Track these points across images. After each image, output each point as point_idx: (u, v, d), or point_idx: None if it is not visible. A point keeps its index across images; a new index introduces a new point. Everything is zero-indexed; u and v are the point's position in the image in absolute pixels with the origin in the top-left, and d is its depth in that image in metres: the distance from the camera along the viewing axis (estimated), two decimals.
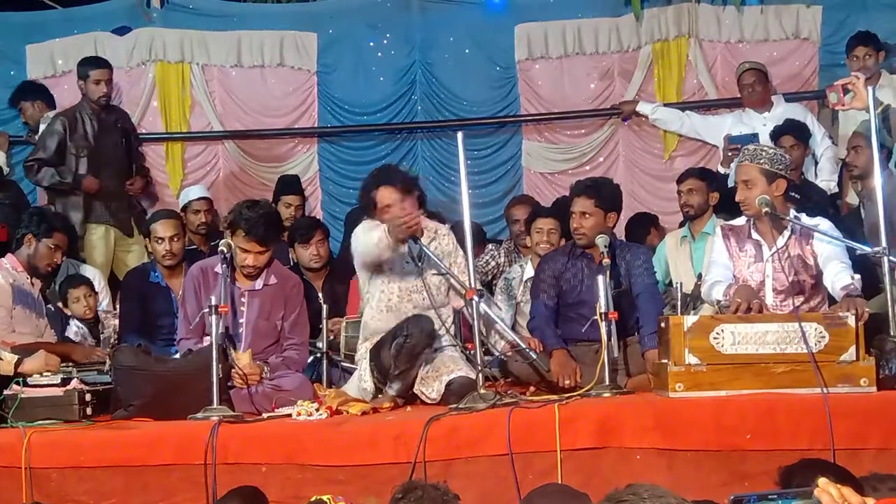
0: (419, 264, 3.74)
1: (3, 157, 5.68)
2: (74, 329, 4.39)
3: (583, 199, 3.86)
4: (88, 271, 4.84)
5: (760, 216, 3.55)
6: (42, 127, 5.38)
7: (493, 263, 5.12)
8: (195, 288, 3.83)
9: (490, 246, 5.25)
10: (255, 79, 6.26)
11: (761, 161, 3.56)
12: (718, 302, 3.45)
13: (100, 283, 4.78)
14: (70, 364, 3.68)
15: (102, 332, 4.41)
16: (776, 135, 4.88)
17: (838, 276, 3.40)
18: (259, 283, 3.85)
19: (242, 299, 3.81)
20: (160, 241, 4.45)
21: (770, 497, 1.47)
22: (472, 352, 3.53)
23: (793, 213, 3.61)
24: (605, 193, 3.94)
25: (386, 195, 3.74)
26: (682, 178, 4.95)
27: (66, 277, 4.62)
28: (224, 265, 3.61)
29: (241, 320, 3.80)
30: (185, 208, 5.34)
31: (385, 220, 3.63)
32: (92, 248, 5.19)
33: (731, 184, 5.18)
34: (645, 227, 5.30)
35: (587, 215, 3.85)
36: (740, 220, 3.70)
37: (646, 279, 3.92)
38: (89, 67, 5.25)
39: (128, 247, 5.28)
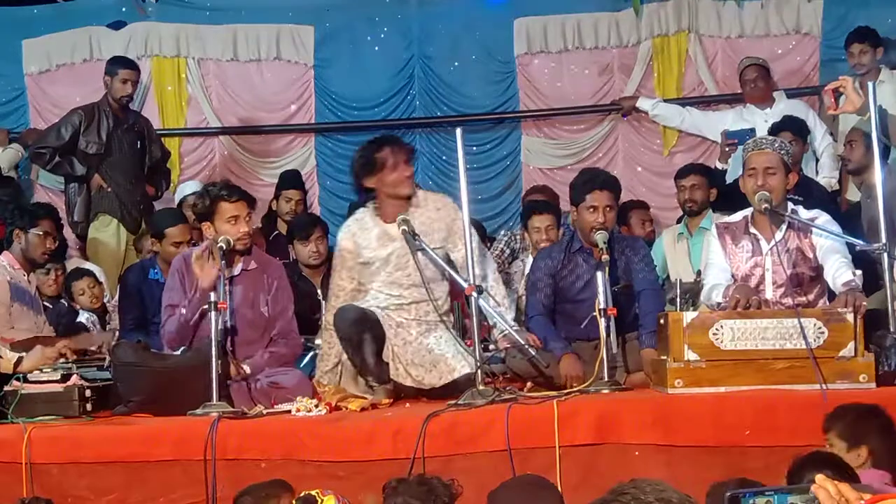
0: (413, 256, 3.69)
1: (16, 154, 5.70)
2: (86, 316, 4.43)
3: (606, 192, 3.79)
4: (90, 267, 4.86)
5: (779, 203, 3.51)
6: None
7: (507, 251, 5.08)
8: (180, 277, 3.76)
9: (505, 232, 5.23)
10: (251, 73, 6.26)
11: (782, 151, 3.56)
12: (719, 304, 3.44)
13: (103, 278, 4.81)
14: (69, 360, 3.68)
15: (109, 323, 4.42)
16: (775, 131, 4.86)
17: (839, 272, 3.39)
18: (237, 269, 3.76)
19: (225, 287, 3.64)
20: (177, 246, 4.41)
21: (766, 493, 1.47)
22: (470, 348, 3.53)
23: (790, 206, 3.61)
24: (618, 186, 3.94)
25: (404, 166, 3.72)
26: (683, 174, 4.93)
27: (68, 273, 4.65)
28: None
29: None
30: (181, 203, 5.34)
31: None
32: (100, 244, 5.20)
33: (730, 179, 5.20)
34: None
35: (610, 209, 3.80)
36: (735, 217, 3.68)
37: (647, 275, 3.89)
38: (119, 66, 5.28)
39: (133, 244, 5.30)
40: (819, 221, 3.54)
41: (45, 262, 4.25)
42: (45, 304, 4.36)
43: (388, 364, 3.69)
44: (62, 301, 4.50)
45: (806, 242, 3.55)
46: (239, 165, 6.20)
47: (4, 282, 3.97)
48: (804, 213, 3.58)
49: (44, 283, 4.47)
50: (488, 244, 5.07)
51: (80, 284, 4.53)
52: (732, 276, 3.59)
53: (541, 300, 3.93)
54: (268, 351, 3.79)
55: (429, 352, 3.67)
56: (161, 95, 6.19)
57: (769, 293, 3.53)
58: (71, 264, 4.93)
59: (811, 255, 3.54)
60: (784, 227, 3.55)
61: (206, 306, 3.42)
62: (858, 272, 3.41)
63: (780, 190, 3.52)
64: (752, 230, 3.60)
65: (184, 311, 3.63)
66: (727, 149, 5.24)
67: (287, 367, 3.82)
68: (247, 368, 3.67)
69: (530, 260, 4.60)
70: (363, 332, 3.61)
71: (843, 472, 2.19)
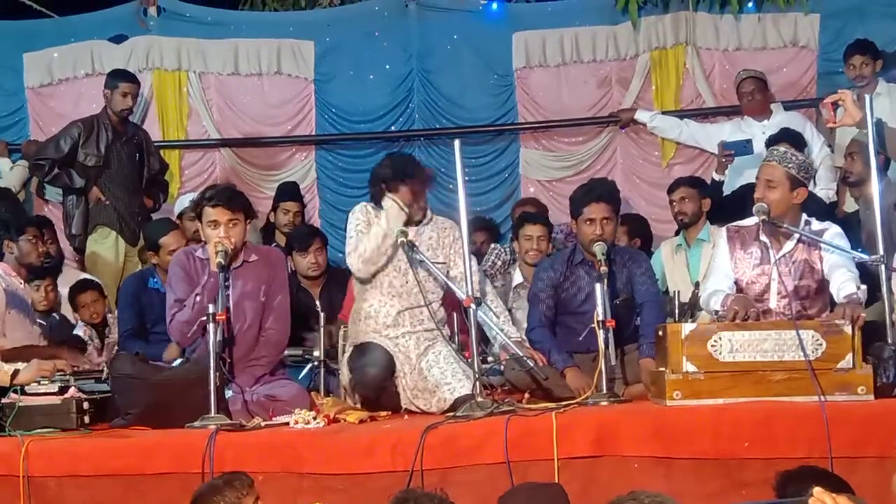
0: (413, 266, 3.73)
1: (17, 168, 5.73)
2: (83, 329, 4.43)
3: (603, 205, 3.81)
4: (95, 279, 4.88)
5: (778, 215, 3.48)
6: None
7: (498, 263, 5.10)
8: (184, 271, 3.74)
9: (495, 245, 5.23)
10: (252, 87, 6.27)
11: (789, 165, 3.52)
12: (716, 312, 3.44)
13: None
14: (66, 372, 3.67)
15: (108, 337, 4.41)
16: (772, 143, 4.88)
17: (844, 286, 3.37)
18: (238, 262, 3.73)
19: (226, 283, 3.62)
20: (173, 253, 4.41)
21: None
22: (468, 360, 3.53)
23: (804, 218, 3.59)
24: (617, 198, 3.95)
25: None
26: (674, 188, 4.97)
27: (74, 283, 4.66)
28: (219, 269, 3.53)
29: (227, 304, 3.62)
30: (180, 216, 5.35)
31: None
32: (99, 257, 5.22)
33: (727, 190, 5.21)
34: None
35: (608, 220, 3.81)
36: (748, 222, 3.65)
37: (649, 287, 3.91)
38: (119, 79, 5.35)
39: (133, 256, 5.32)
40: (828, 234, 3.53)
41: (42, 265, 4.25)
42: (39, 320, 4.34)
43: (398, 392, 3.72)
44: (54, 314, 4.49)
45: (815, 255, 3.54)
46: (240, 178, 6.20)
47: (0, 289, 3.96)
48: (816, 226, 3.57)
49: (34, 298, 4.47)
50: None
51: (84, 298, 4.55)
52: (736, 282, 3.58)
53: (542, 311, 3.93)
54: (251, 363, 3.75)
55: (429, 377, 3.68)
56: (162, 109, 6.21)
57: (773, 303, 3.53)
58: (68, 276, 4.94)
59: (818, 268, 3.53)
60: (794, 238, 3.54)
61: (204, 318, 3.41)
62: (864, 287, 3.39)
63: (781, 204, 3.50)
64: (763, 238, 3.59)
65: (198, 297, 3.58)
66: (724, 160, 5.26)
67: (279, 374, 3.82)
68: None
69: (518, 272, 4.60)
70: (379, 396, 3.68)
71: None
